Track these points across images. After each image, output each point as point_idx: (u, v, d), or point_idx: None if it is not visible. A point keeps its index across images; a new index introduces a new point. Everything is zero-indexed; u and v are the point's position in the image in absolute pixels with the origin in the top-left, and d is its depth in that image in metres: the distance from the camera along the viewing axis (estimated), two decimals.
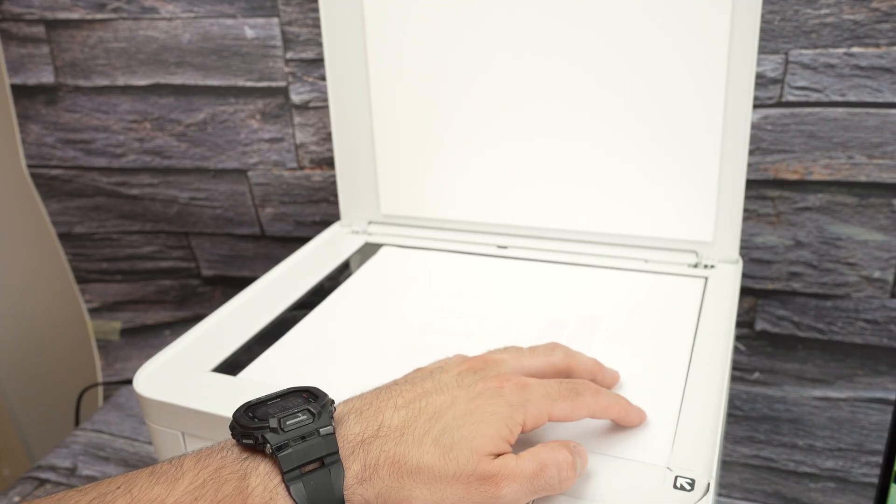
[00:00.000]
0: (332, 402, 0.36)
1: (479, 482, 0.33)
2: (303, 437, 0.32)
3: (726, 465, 0.71)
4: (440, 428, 0.35)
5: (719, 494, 0.67)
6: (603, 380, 0.44)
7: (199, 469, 0.32)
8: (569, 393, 0.39)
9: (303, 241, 0.71)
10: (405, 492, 0.33)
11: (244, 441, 0.33)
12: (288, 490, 0.31)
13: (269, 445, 0.32)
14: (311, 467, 0.32)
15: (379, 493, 0.33)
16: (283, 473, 0.32)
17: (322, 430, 0.33)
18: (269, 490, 0.31)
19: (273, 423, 0.33)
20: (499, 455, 0.34)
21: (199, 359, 0.51)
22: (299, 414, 0.34)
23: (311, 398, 0.36)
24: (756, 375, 0.81)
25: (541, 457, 0.35)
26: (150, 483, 0.32)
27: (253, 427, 0.33)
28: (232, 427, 0.34)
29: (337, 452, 0.33)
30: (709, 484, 0.37)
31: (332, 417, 0.34)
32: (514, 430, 0.36)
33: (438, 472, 0.33)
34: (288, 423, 0.33)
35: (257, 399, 0.35)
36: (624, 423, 0.42)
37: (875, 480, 0.68)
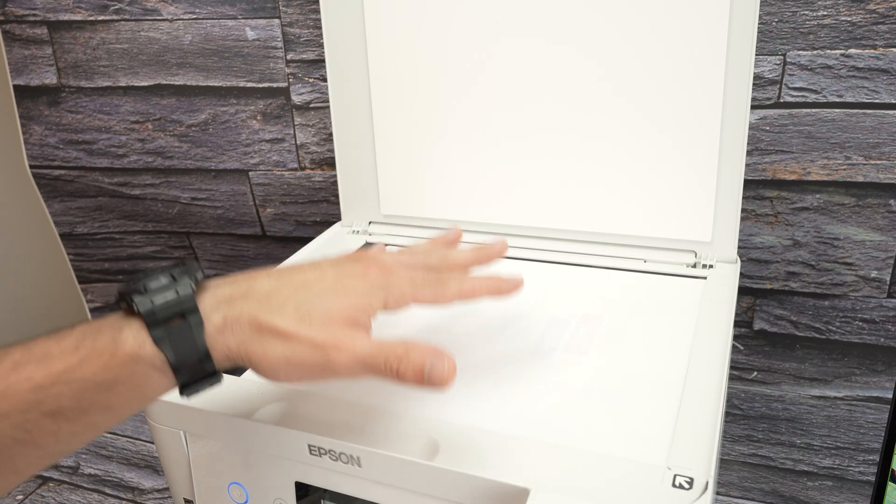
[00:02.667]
0: (200, 269, 0.40)
1: (321, 345, 0.37)
2: (165, 300, 0.37)
3: (725, 463, 0.72)
4: (302, 297, 0.39)
5: (717, 493, 0.68)
6: (489, 259, 0.49)
7: (85, 327, 0.37)
8: (434, 281, 0.43)
9: (303, 241, 0.71)
10: (263, 345, 0.37)
11: (121, 305, 0.38)
12: (153, 339, 0.36)
13: (135, 305, 0.37)
14: (174, 321, 0.37)
15: (240, 342, 0.37)
16: (148, 327, 0.36)
17: (180, 291, 0.37)
18: (139, 340, 0.36)
19: (140, 287, 0.38)
20: (357, 325, 0.39)
21: None
22: (161, 277, 0.38)
23: (182, 265, 0.40)
24: (754, 375, 0.81)
25: (383, 344, 0.38)
26: (45, 339, 0.37)
27: (124, 292, 0.38)
28: (116, 296, 0.39)
29: (196, 309, 0.37)
30: (707, 482, 0.37)
31: (195, 280, 0.38)
32: (373, 303, 0.40)
33: (292, 332, 0.37)
34: (151, 285, 0.38)
35: (145, 272, 0.40)
36: (499, 295, 0.46)
37: (872, 479, 0.68)
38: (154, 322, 0.36)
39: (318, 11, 0.81)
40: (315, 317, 0.38)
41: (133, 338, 0.36)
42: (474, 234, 0.69)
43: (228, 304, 0.38)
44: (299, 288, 0.39)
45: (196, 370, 0.37)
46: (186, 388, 0.38)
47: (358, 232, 0.72)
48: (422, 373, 0.37)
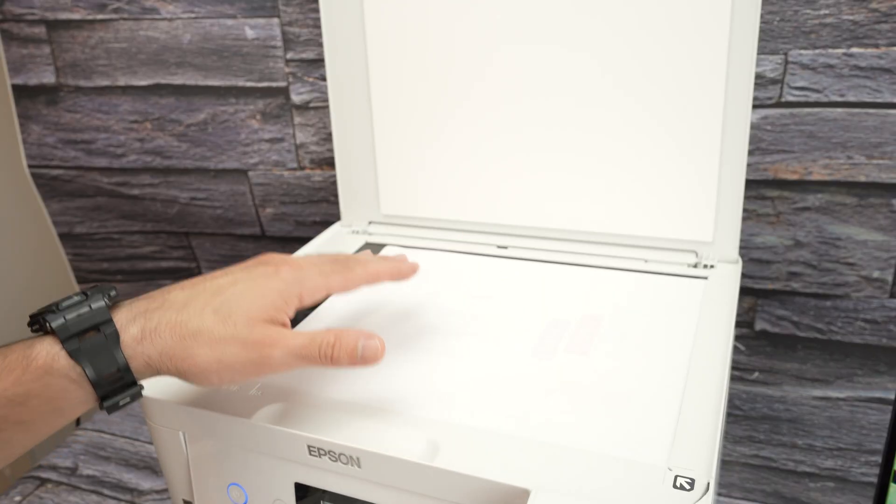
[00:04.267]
0: (113, 290, 0.40)
1: (254, 343, 0.39)
2: (78, 314, 0.38)
3: (726, 464, 0.71)
4: (220, 301, 0.40)
5: (719, 494, 0.68)
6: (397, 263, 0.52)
7: None
8: (342, 268, 0.45)
9: (303, 241, 0.71)
10: (188, 351, 0.38)
11: (32, 328, 0.39)
12: (67, 352, 0.37)
13: (48, 324, 0.37)
14: (88, 335, 0.37)
15: (162, 351, 0.38)
16: (61, 341, 0.37)
17: (93, 305, 0.38)
18: (52, 354, 0.37)
19: (52, 307, 0.38)
20: (277, 323, 0.40)
21: None
22: (74, 297, 0.39)
23: (94, 287, 0.41)
24: (756, 375, 0.81)
25: (314, 335, 0.40)
26: None
27: (36, 314, 0.39)
28: (28, 321, 0.40)
29: (110, 321, 0.38)
30: (708, 483, 0.37)
31: (108, 297, 0.39)
32: (289, 301, 0.41)
33: (217, 335, 0.38)
34: (63, 304, 0.38)
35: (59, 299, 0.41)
36: (400, 278, 0.50)
37: (874, 480, 0.68)
38: (67, 336, 0.37)
39: (317, 11, 0.81)
40: (237, 318, 0.39)
41: (46, 351, 0.37)
42: (474, 233, 0.69)
43: (145, 316, 0.39)
44: (214, 294, 0.40)
45: (114, 381, 0.38)
46: (107, 400, 0.38)
47: (358, 232, 0.72)
48: (354, 353, 0.40)
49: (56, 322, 0.37)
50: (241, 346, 0.38)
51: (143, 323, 0.38)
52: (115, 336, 0.38)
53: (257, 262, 0.44)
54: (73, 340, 0.37)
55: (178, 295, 0.40)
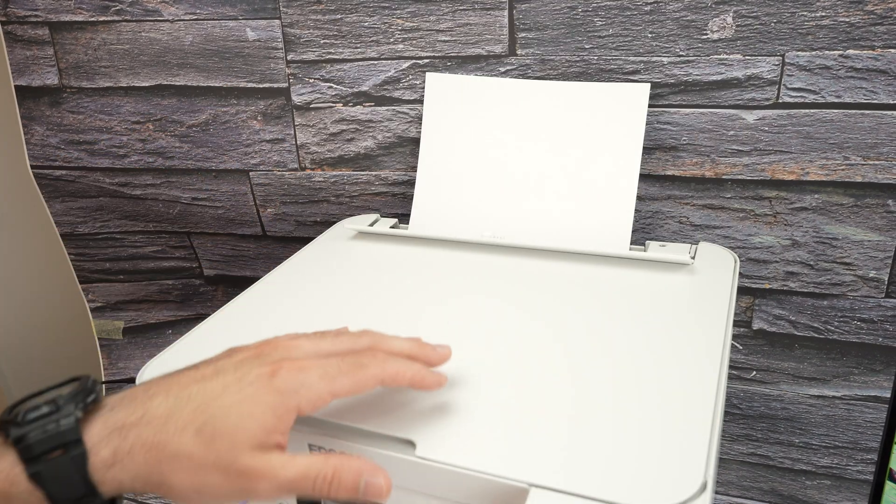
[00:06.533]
0: (93, 390, 0.37)
1: (237, 475, 0.35)
2: (44, 430, 0.34)
3: (723, 462, 0.72)
4: (204, 419, 0.35)
5: (716, 492, 0.68)
6: (426, 359, 0.44)
7: None
8: (350, 367, 0.39)
9: (304, 240, 0.72)
10: (164, 477, 0.35)
11: None
12: (29, 474, 0.34)
13: (9, 438, 0.34)
14: (55, 454, 0.34)
15: (135, 476, 0.35)
16: (23, 461, 0.34)
17: (62, 421, 0.34)
18: (12, 476, 0.34)
19: (17, 416, 0.35)
20: (269, 447, 0.36)
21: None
22: (43, 406, 0.35)
23: (75, 384, 0.37)
24: (753, 374, 0.81)
25: (308, 466, 0.36)
26: None
27: (1, 420, 0.35)
28: None
29: (79, 440, 0.34)
30: (706, 482, 0.38)
31: (82, 407, 0.35)
32: (284, 417, 0.37)
33: (198, 461, 0.35)
34: (28, 416, 0.35)
35: (36, 391, 0.37)
36: (420, 387, 0.42)
37: (870, 478, 0.69)
38: (29, 457, 0.34)
39: (318, 13, 0.81)
40: (221, 442, 0.35)
41: (6, 472, 0.34)
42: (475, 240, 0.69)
43: (120, 433, 0.35)
44: (199, 408, 0.36)
45: None
46: None
47: (358, 232, 0.72)
48: (356, 490, 0.36)
49: (18, 440, 0.34)
50: (223, 475, 0.35)
51: (117, 443, 0.35)
52: (83, 459, 0.34)
53: (255, 357, 0.39)
54: (37, 462, 0.34)
55: (161, 405, 0.36)
